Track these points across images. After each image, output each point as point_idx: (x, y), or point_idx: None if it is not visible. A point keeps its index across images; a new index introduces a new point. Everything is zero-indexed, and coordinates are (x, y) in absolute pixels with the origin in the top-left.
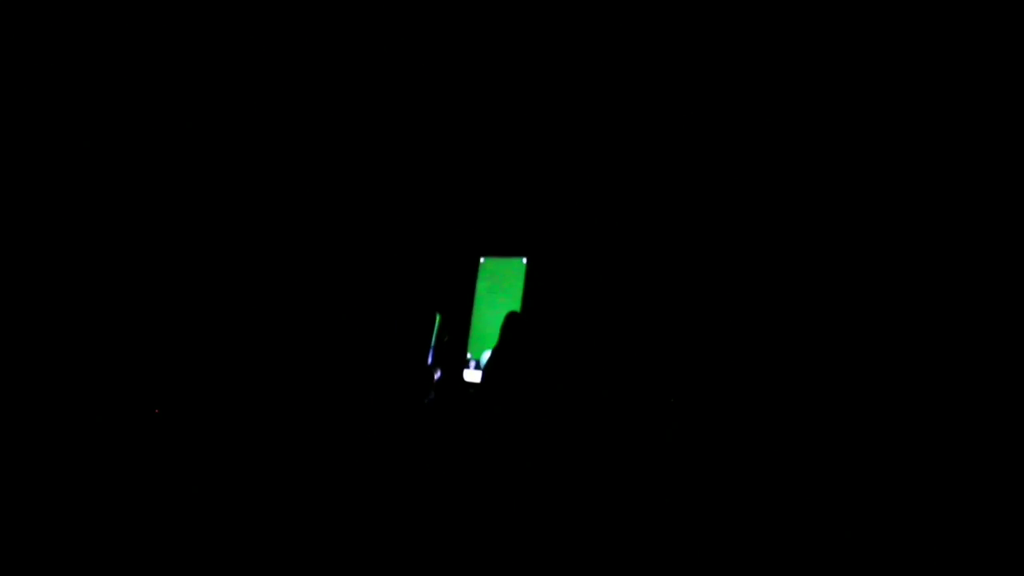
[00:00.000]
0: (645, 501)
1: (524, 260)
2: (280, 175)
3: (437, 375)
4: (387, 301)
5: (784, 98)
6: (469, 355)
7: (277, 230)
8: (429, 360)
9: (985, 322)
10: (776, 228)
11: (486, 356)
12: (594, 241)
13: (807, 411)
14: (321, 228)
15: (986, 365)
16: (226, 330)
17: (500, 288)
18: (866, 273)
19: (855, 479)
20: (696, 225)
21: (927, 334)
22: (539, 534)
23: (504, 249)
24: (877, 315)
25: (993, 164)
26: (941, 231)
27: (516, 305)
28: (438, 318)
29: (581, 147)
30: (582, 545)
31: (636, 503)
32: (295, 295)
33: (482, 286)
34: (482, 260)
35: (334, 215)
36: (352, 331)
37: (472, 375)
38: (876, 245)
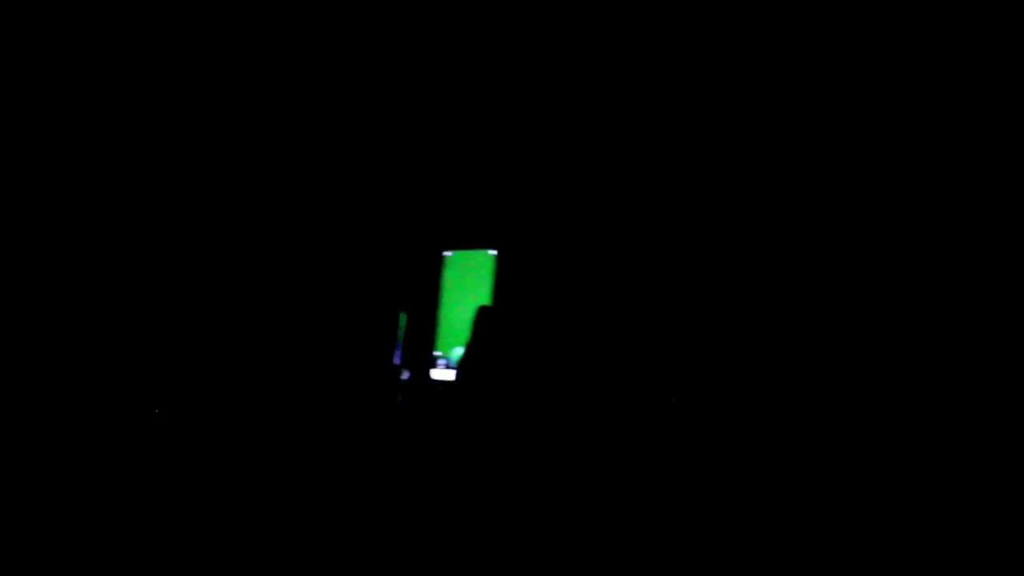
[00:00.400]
0: (634, 503)
1: (493, 252)
2: (234, 171)
3: (405, 376)
4: (349, 302)
5: (751, 82)
6: (439, 353)
7: (232, 230)
8: (397, 360)
9: (985, 322)
10: (759, 221)
11: (457, 353)
12: (566, 231)
13: (804, 409)
14: (278, 226)
15: (986, 365)
16: (180, 334)
17: (468, 283)
18: (864, 269)
19: (855, 479)
20: (674, 208)
21: (927, 334)
22: (525, 539)
23: (471, 242)
24: (876, 313)
25: (993, 164)
26: (941, 231)
27: (486, 300)
28: (403, 317)
29: (548, 132)
30: (571, 549)
31: (626, 505)
32: (253, 298)
33: (449, 281)
34: (448, 254)
35: (291, 212)
36: (314, 334)
37: (441, 373)
38: (871, 242)
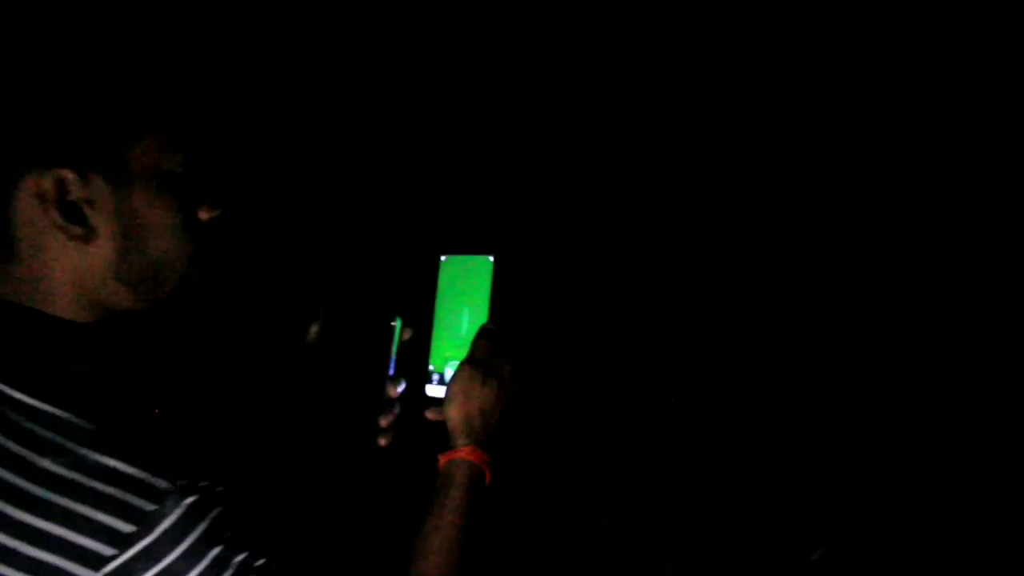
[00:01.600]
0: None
1: (491, 258)
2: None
3: (401, 387)
4: (332, 310)
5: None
6: (432, 367)
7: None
8: (391, 371)
9: (986, 324)
10: (762, 223)
11: (451, 369)
12: (575, 235)
13: (804, 410)
14: (251, 226)
15: (987, 367)
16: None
17: (463, 291)
18: (864, 269)
19: (857, 481)
20: (683, 209)
21: (930, 335)
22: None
23: (468, 245)
24: (879, 313)
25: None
26: (942, 231)
27: (483, 309)
28: (399, 322)
29: (555, 121)
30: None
31: (626, 507)
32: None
33: (443, 288)
34: (443, 259)
35: (263, 210)
36: (293, 347)
37: (435, 390)
38: (872, 242)
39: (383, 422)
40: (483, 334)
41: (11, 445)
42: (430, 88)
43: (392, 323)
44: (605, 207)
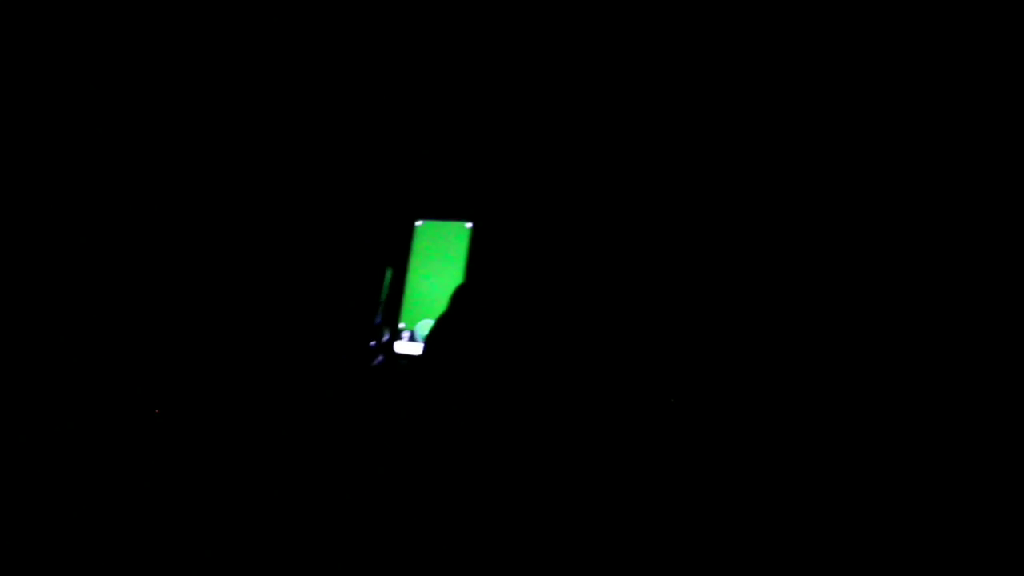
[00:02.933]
0: (632, 504)
1: (469, 225)
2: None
3: (385, 337)
4: (316, 266)
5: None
6: (403, 324)
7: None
8: (377, 320)
9: (986, 324)
10: (762, 212)
11: (423, 327)
12: (557, 206)
13: (804, 410)
14: (237, 194)
15: (987, 367)
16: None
17: (440, 255)
18: (864, 269)
19: (858, 482)
20: (675, 186)
21: (930, 335)
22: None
23: (445, 212)
24: (879, 312)
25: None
26: (943, 231)
27: (458, 272)
28: (389, 272)
29: (539, 89)
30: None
31: (622, 507)
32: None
33: (418, 251)
34: (418, 223)
35: (245, 178)
36: (274, 309)
37: (405, 347)
38: (872, 242)
39: (368, 369)
40: (459, 294)
41: None
42: (412, 57)
43: (378, 278)
44: (583, 182)
